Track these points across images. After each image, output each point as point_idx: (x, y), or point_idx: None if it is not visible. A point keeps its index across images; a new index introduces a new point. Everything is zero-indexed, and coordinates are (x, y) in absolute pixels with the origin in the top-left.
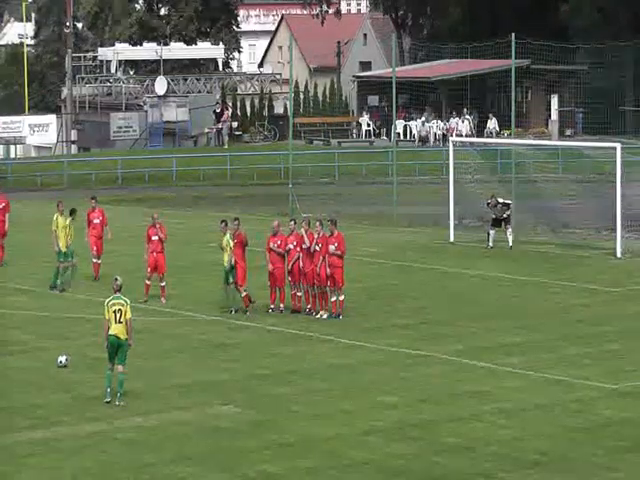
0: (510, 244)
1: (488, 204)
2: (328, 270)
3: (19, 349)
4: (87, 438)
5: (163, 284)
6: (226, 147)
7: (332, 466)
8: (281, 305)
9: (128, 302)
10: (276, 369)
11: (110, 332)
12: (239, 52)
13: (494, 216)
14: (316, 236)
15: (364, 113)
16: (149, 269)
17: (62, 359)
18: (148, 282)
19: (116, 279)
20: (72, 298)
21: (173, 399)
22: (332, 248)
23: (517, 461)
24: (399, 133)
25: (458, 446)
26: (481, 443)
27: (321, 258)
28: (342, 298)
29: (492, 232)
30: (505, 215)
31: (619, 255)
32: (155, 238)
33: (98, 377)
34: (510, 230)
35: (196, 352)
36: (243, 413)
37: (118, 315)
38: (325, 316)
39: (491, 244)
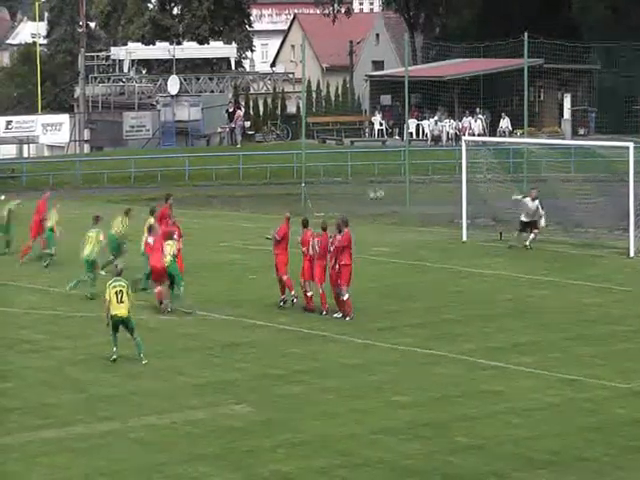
0: (529, 244)
1: (533, 198)
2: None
3: (32, 348)
4: (100, 437)
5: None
6: (239, 146)
7: (345, 465)
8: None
9: (128, 284)
10: (289, 368)
11: (112, 312)
12: (252, 51)
13: (525, 219)
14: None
15: (377, 112)
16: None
17: None
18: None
19: (116, 265)
20: (85, 298)
21: (186, 398)
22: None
23: (530, 460)
24: (412, 132)
25: (471, 445)
26: (494, 442)
27: (333, 259)
28: (346, 297)
29: (523, 234)
30: (536, 218)
31: (632, 254)
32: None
33: (111, 377)
34: (537, 231)
35: (209, 351)
36: (256, 412)
37: (120, 296)
38: (338, 316)
39: (525, 244)
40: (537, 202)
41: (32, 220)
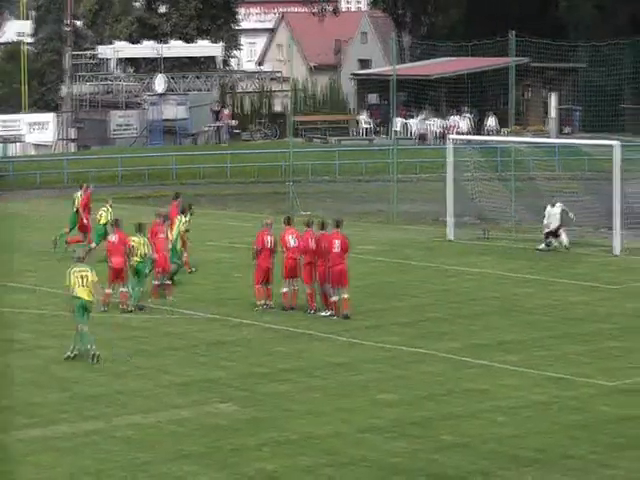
0: (566, 244)
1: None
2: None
3: (18, 347)
4: (85, 436)
5: (169, 282)
6: (226, 145)
7: (330, 464)
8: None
9: (90, 269)
10: (274, 367)
11: (76, 294)
12: (239, 50)
13: (550, 229)
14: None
15: (363, 111)
16: (160, 269)
17: None
18: (157, 282)
19: (74, 250)
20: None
21: (171, 397)
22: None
23: (515, 458)
24: (398, 131)
25: (456, 444)
26: (479, 441)
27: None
28: (334, 299)
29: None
30: (563, 222)
31: (617, 252)
32: (162, 236)
33: (96, 376)
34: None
35: (194, 350)
36: (241, 411)
37: (84, 280)
38: (326, 314)
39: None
40: (558, 206)
41: (79, 216)
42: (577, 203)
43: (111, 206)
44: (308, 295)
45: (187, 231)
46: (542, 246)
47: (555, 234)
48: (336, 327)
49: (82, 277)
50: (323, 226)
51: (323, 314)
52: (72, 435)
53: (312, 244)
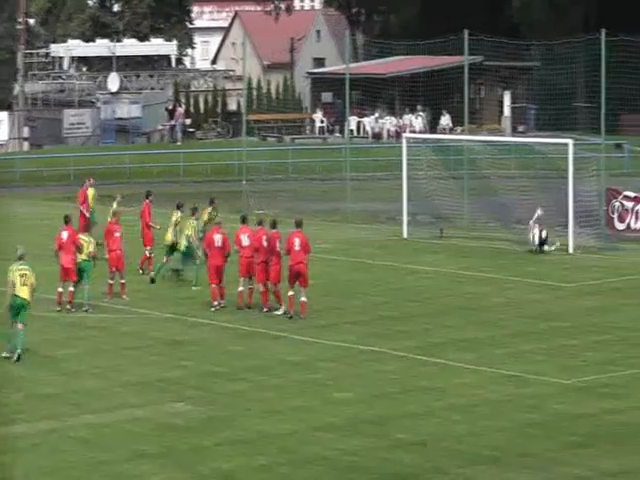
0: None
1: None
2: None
3: None
4: (41, 436)
5: (123, 281)
6: (179, 144)
7: (286, 463)
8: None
9: (30, 269)
10: (231, 366)
11: (15, 293)
12: (192, 48)
13: (537, 241)
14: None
15: (318, 110)
16: (113, 268)
17: None
18: (111, 282)
19: (17, 249)
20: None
21: (127, 397)
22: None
23: (471, 456)
24: (352, 130)
25: (412, 442)
26: (435, 439)
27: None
28: (290, 293)
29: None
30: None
31: (571, 251)
32: (117, 235)
33: (52, 375)
34: (553, 243)
35: (151, 349)
36: (198, 410)
37: (24, 279)
38: (280, 312)
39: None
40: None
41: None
42: (531, 201)
43: (119, 202)
44: (261, 294)
45: (209, 221)
46: (553, 248)
47: (543, 241)
48: (292, 326)
49: (22, 275)
50: (274, 225)
51: (277, 313)
52: (27, 435)
53: (264, 243)
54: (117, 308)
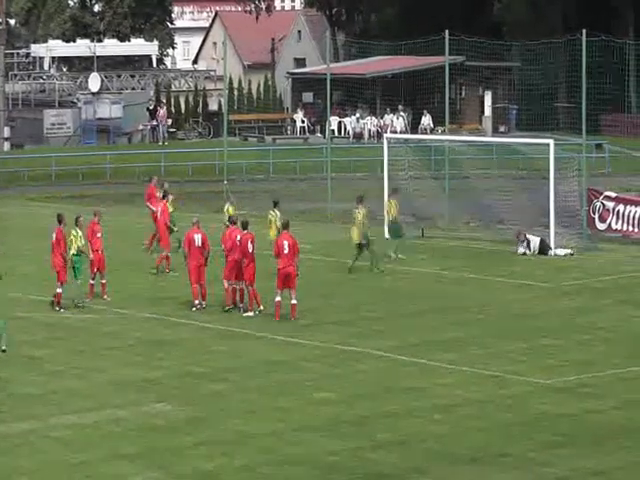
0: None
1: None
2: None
3: None
4: (21, 436)
5: (104, 281)
6: (163, 144)
7: (267, 463)
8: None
9: None
10: (212, 366)
11: None
12: (173, 49)
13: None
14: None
15: (298, 110)
16: (95, 268)
17: None
18: (92, 282)
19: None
20: (5, 297)
21: (108, 397)
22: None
23: (452, 457)
24: (333, 130)
25: (393, 442)
26: (416, 439)
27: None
28: (277, 299)
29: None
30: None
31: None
32: (99, 235)
33: (32, 375)
34: (554, 250)
35: (131, 350)
36: (178, 410)
37: None
38: (250, 314)
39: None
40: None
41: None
42: (512, 202)
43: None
44: (226, 290)
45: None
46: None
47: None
48: (273, 326)
49: None
50: (245, 226)
51: (248, 314)
52: (8, 435)
53: (237, 242)
54: (98, 308)
